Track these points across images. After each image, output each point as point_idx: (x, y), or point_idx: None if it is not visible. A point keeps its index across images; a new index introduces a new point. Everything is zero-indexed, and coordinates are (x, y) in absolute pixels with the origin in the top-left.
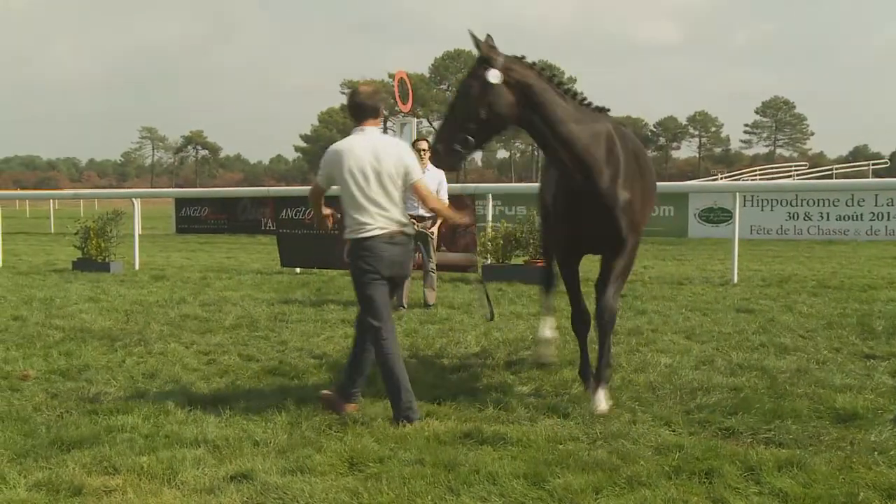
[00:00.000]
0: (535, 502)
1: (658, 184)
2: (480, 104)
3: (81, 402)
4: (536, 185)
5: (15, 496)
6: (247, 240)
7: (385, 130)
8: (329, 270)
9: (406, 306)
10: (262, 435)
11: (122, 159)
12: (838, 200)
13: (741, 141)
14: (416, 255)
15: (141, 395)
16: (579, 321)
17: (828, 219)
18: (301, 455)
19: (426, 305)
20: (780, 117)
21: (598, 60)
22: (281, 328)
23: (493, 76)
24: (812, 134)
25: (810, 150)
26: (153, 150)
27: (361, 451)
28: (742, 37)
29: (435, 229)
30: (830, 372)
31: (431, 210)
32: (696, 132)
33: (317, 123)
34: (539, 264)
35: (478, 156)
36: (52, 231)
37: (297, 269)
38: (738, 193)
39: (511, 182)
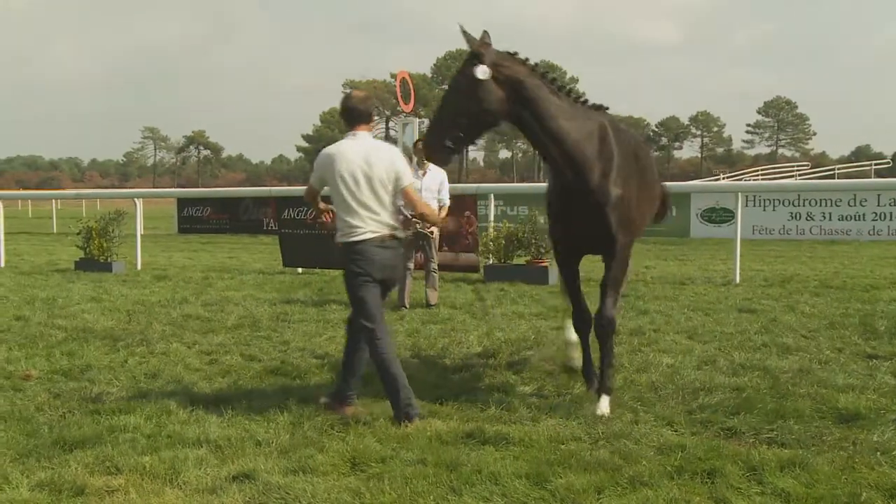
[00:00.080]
0: (537, 502)
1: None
2: (469, 100)
3: (84, 402)
4: (538, 185)
5: (18, 496)
6: (249, 240)
7: (387, 130)
8: (331, 270)
9: (408, 306)
10: (265, 435)
11: (125, 159)
12: (840, 200)
13: (743, 141)
14: (418, 255)
15: (143, 395)
16: (580, 321)
17: (830, 219)
18: (303, 455)
19: (428, 305)
20: (782, 117)
21: (599, 60)
22: (283, 328)
23: (481, 72)
24: (814, 134)
25: (812, 150)
26: (155, 150)
27: (363, 451)
28: (742, 37)
29: (435, 229)
30: (833, 372)
31: (420, 215)
32: (699, 132)
33: (319, 123)
34: (543, 264)
35: (480, 156)
36: (55, 231)
37: (300, 269)
38: (740, 193)
39: (513, 182)
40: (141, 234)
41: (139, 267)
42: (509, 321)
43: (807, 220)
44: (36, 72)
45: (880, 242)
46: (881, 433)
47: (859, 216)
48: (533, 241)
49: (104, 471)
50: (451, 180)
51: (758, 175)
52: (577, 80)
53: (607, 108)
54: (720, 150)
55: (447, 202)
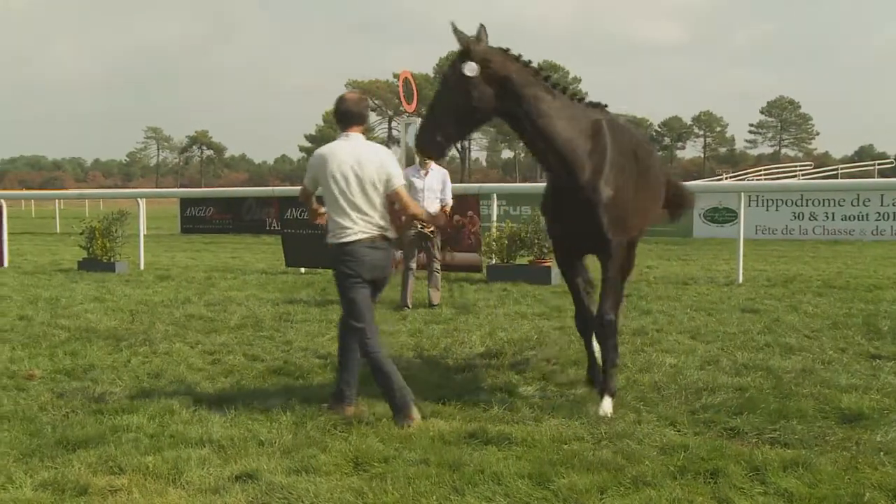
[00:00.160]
0: (539, 502)
1: None
2: (458, 96)
3: (87, 402)
4: (541, 184)
5: (21, 495)
6: (252, 240)
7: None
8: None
9: (410, 306)
10: (267, 435)
11: (128, 159)
12: (844, 200)
13: (746, 141)
14: (420, 255)
15: (146, 394)
16: (581, 322)
17: (833, 219)
18: (306, 455)
19: (430, 305)
20: (784, 117)
21: (599, 60)
22: (286, 328)
23: (470, 69)
24: (817, 134)
25: (815, 149)
26: (158, 150)
27: (366, 451)
28: (742, 37)
29: (436, 228)
30: (836, 372)
31: (411, 216)
32: (701, 132)
33: (321, 123)
34: (546, 264)
35: (482, 156)
36: (58, 231)
37: (302, 269)
38: (743, 193)
39: (516, 182)
40: (144, 235)
41: (142, 267)
42: (512, 321)
43: (810, 220)
44: (36, 72)
45: (883, 242)
46: (884, 433)
47: (862, 216)
48: (536, 241)
49: (107, 470)
50: (453, 180)
51: (761, 175)
52: (580, 80)
53: (606, 106)
54: (723, 150)
55: (450, 202)
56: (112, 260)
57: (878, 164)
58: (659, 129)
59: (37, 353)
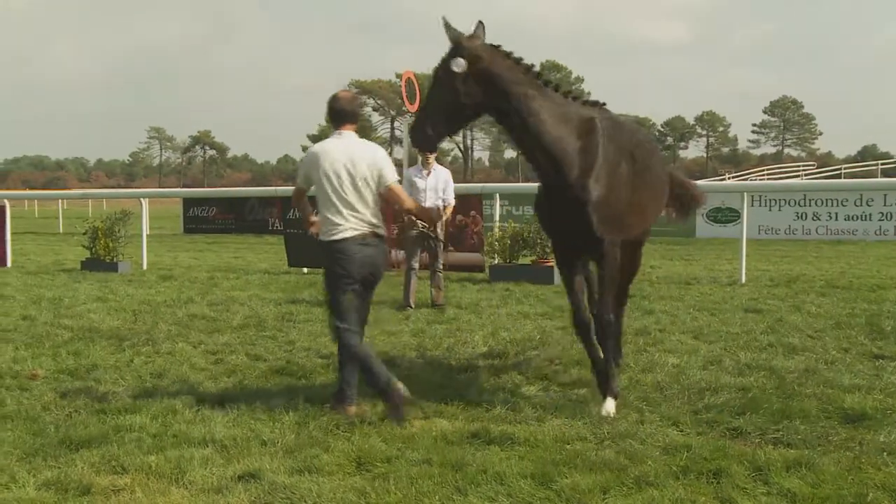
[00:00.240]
0: (542, 502)
1: None
2: (447, 92)
3: (90, 402)
4: None
5: (24, 495)
6: (254, 240)
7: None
8: None
9: (413, 306)
10: (270, 434)
11: (130, 159)
12: (847, 200)
13: (749, 141)
14: (422, 254)
15: (149, 394)
16: (578, 323)
17: (836, 219)
18: (309, 455)
19: (433, 305)
20: (787, 117)
21: (599, 60)
22: (288, 328)
23: (457, 65)
24: (820, 134)
25: (818, 149)
26: (161, 150)
27: (369, 450)
28: (742, 37)
29: (437, 227)
30: (839, 372)
31: (407, 212)
32: (704, 132)
33: (323, 123)
34: (548, 264)
35: (485, 156)
36: (61, 231)
37: (305, 269)
38: (745, 193)
39: (518, 182)
40: (147, 234)
41: (145, 267)
42: (514, 321)
43: (813, 219)
44: (36, 72)
45: (887, 242)
46: (888, 433)
47: (865, 216)
48: (538, 240)
49: (110, 470)
50: (456, 180)
51: (764, 175)
52: (583, 79)
53: (603, 105)
54: (726, 149)
55: (452, 202)
56: (115, 260)
57: (882, 164)
58: (662, 129)
59: (40, 353)
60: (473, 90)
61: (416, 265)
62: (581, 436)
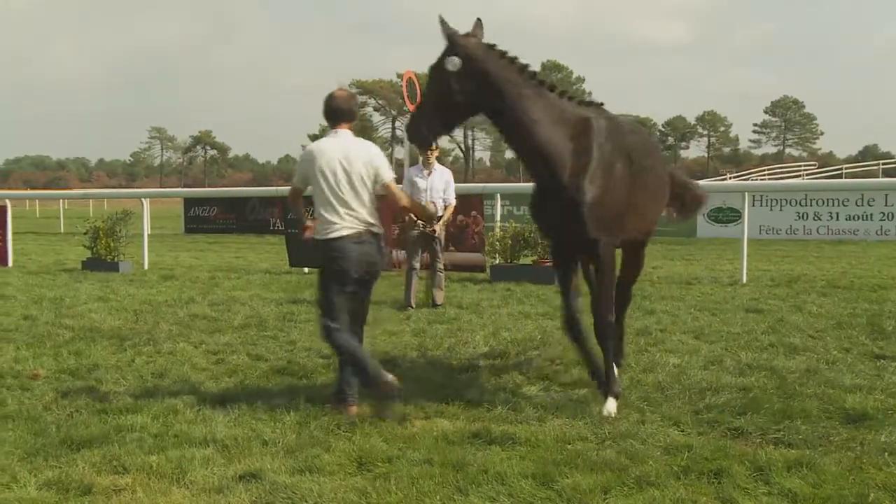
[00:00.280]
0: (543, 502)
1: None
2: (442, 91)
3: (91, 402)
4: None
5: (25, 495)
6: (255, 239)
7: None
8: None
9: (414, 306)
10: (271, 434)
11: (132, 159)
12: (848, 200)
13: (750, 141)
14: (424, 254)
15: (150, 394)
16: (568, 323)
17: (837, 219)
18: (310, 455)
19: (434, 305)
20: (789, 117)
21: (599, 60)
22: (290, 328)
23: (451, 63)
24: (821, 133)
25: (820, 149)
26: (162, 150)
27: (370, 450)
28: (742, 37)
29: (438, 228)
30: (840, 372)
31: (403, 209)
32: (705, 132)
33: (325, 123)
34: (549, 264)
35: (486, 156)
36: (62, 231)
37: (306, 269)
38: (747, 193)
39: (519, 182)
40: (148, 234)
41: (146, 267)
42: (515, 321)
43: (814, 219)
44: (36, 72)
45: (888, 242)
46: (889, 433)
47: (867, 216)
48: (539, 240)
49: (111, 470)
50: (457, 180)
51: (765, 175)
52: (584, 79)
53: (601, 105)
54: (727, 149)
55: (453, 202)
56: (116, 260)
57: (883, 164)
58: (663, 129)
59: (41, 353)
60: (467, 89)
61: (418, 265)
62: (582, 436)
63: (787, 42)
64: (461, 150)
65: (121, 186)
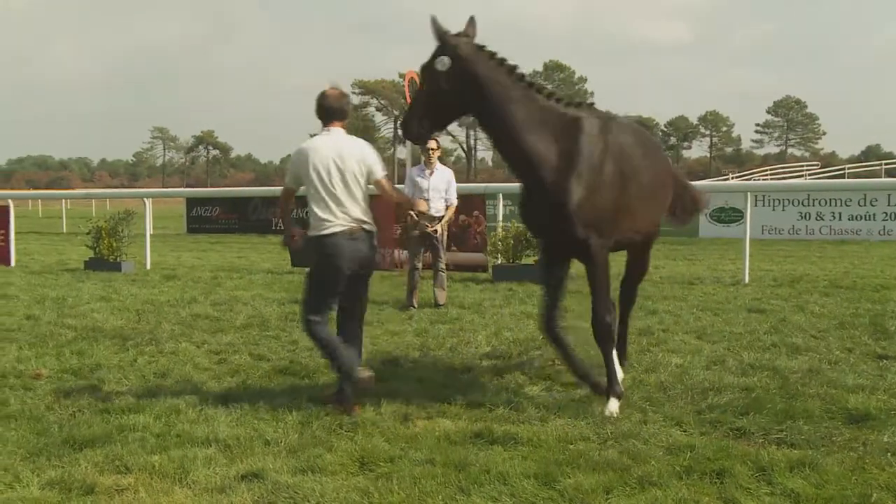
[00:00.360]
0: (545, 502)
1: None
2: (432, 89)
3: (93, 401)
4: None
5: (28, 494)
6: (258, 239)
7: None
8: None
9: (416, 306)
10: (273, 434)
11: (134, 159)
12: (850, 200)
13: (752, 141)
14: (426, 254)
15: (152, 394)
16: (543, 326)
17: (840, 219)
18: (312, 454)
19: (436, 305)
20: (791, 117)
21: (599, 60)
22: (292, 328)
23: (440, 63)
24: (824, 133)
25: (822, 149)
26: (164, 150)
27: (372, 450)
28: (742, 37)
29: (439, 227)
30: (843, 372)
31: (396, 205)
32: (707, 132)
33: None
34: None
35: (488, 156)
36: (65, 231)
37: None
38: (749, 193)
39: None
40: (150, 234)
41: (148, 266)
42: (517, 321)
43: (816, 219)
44: (36, 72)
45: (891, 242)
46: (891, 434)
47: (869, 216)
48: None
49: (114, 470)
50: (459, 180)
51: (767, 175)
52: (586, 79)
53: (591, 104)
54: (729, 149)
55: (455, 202)
56: (118, 260)
57: (885, 164)
58: (665, 129)
59: (44, 353)
60: (455, 89)
61: (420, 265)
62: (584, 436)
63: (787, 42)
64: (463, 150)
65: (123, 186)
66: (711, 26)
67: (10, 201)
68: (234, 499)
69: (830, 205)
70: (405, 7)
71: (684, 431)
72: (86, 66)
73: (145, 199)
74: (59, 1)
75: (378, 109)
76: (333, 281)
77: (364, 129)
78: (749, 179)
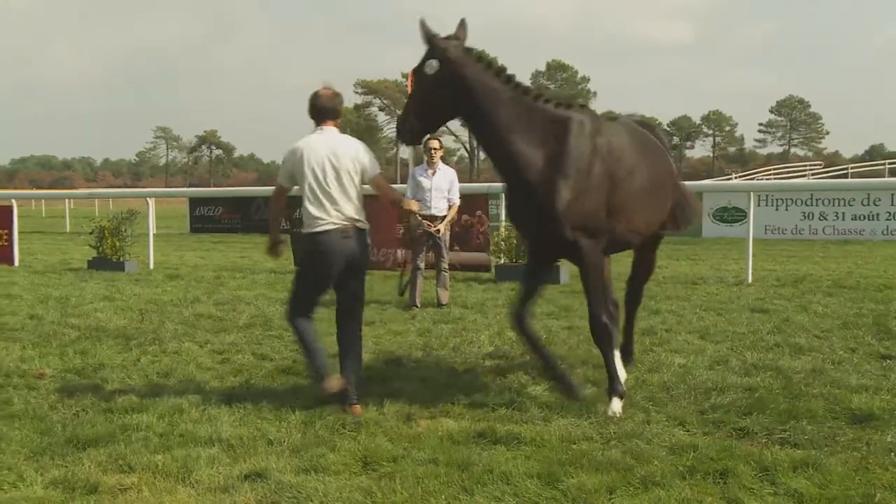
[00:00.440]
0: (548, 502)
1: None
2: (422, 92)
3: (97, 401)
4: None
5: (32, 494)
6: (261, 239)
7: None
8: None
9: (419, 306)
10: (276, 434)
11: (137, 159)
12: (854, 200)
13: (755, 140)
14: (429, 254)
15: (156, 393)
16: (513, 322)
17: (843, 218)
18: (315, 454)
19: (439, 305)
20: (794, 116)
21: (599, 60)
22: None
23: (429, 67)
24: (827, 133)
25: (825, 149)
26: (167, 149)
27: (375, 450)
28: (742, 37)
29: (442, 227)
30: (846, 372)
31: (391, 203)
32: (711, 131)
33: None
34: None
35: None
36: (68, 230)
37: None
38: (752, 193)
39: None
40: (153, 234)
41: (151, 266)
42: None
43: (820, 219)
44: (36, 72)
45: (894, 242)
46: (895, 434)
47: (873, 216)
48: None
49: (117, 469)
50: (462, 180)
51: (770, 174)
52: (588, 79)
53: (584, 105)
54: (732, 149)
55: (457, 201)
56: (122, 259)
57: (889, 164)
58: (668, 129)
59: (47, 352)
60: (443, 92)
61: (423, 265)
62: (587, 435)
63: (788, 42)
64: (466, 149)
65: (126, 186)
66: (712, 26)
67: (13, 201)
68: (237, 498)
69: (834, 205)
70: (405, 7)
71: (687, 431)
72: (86, 66)
73: (148, 199)
74: (59, 1)
75: (381, 109)
76: (323, 277)
77: (367, 129)
78: (752, 179)
